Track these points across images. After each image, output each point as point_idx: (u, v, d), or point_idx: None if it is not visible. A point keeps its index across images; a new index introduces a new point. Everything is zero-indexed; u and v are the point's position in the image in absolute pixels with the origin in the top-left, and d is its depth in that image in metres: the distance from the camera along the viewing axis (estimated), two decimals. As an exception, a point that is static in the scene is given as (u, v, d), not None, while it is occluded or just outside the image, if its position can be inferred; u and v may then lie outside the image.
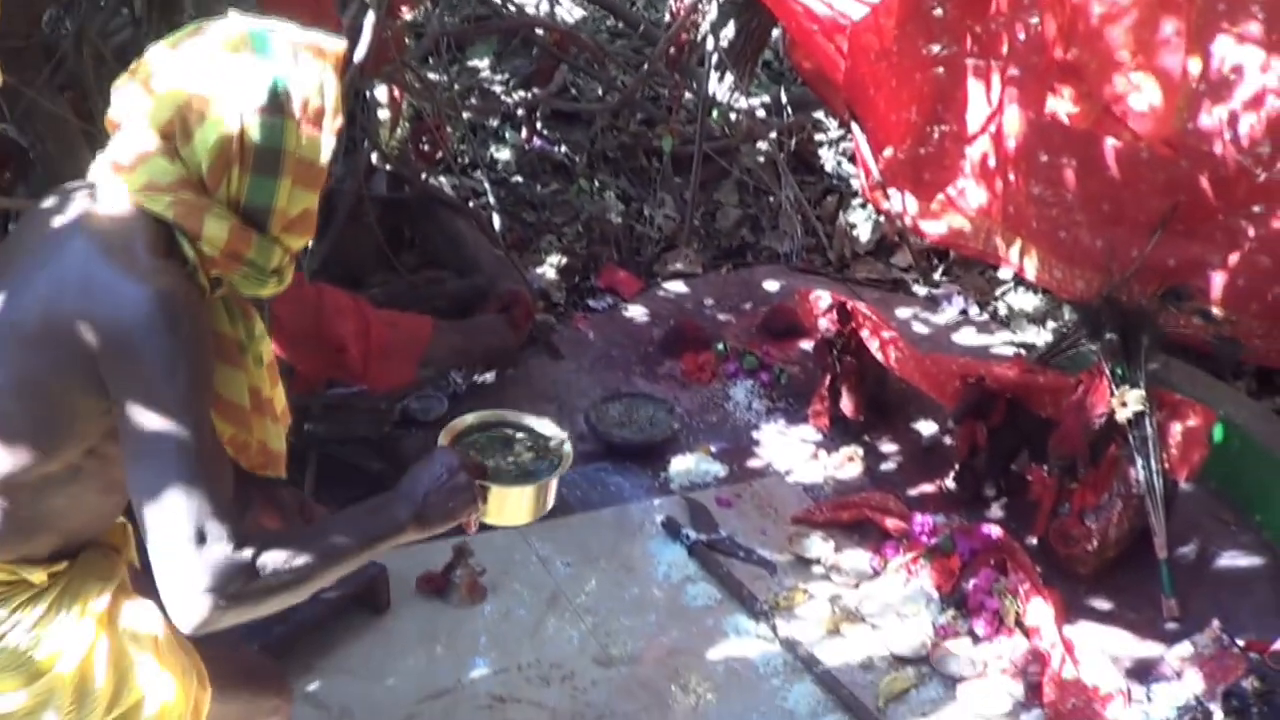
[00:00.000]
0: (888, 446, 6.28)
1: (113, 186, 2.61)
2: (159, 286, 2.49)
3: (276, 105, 2.56)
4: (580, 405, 6.40)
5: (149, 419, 2.48)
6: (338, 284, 5.82)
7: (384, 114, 7.59)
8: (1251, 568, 5.29)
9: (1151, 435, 5.11)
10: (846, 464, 6.09)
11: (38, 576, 2.74)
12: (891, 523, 5.52)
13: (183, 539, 2.47)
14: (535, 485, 3.02)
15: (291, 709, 3.38)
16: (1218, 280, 6.27)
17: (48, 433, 2.61)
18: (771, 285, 7.66)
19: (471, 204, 7.92)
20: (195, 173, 2.57)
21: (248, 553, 2.51)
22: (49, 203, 2.73)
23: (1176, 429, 5.18)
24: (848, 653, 4.94)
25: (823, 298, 6.31)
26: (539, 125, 8.81)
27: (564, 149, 8.73)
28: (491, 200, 7.94)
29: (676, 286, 7.65)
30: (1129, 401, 5.09)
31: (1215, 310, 6.22)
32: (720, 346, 6.94)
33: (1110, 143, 6.37)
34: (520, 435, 3.18)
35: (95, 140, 5.07)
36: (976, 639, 4.98)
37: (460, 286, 6.92)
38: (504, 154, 8.67)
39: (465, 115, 8.35)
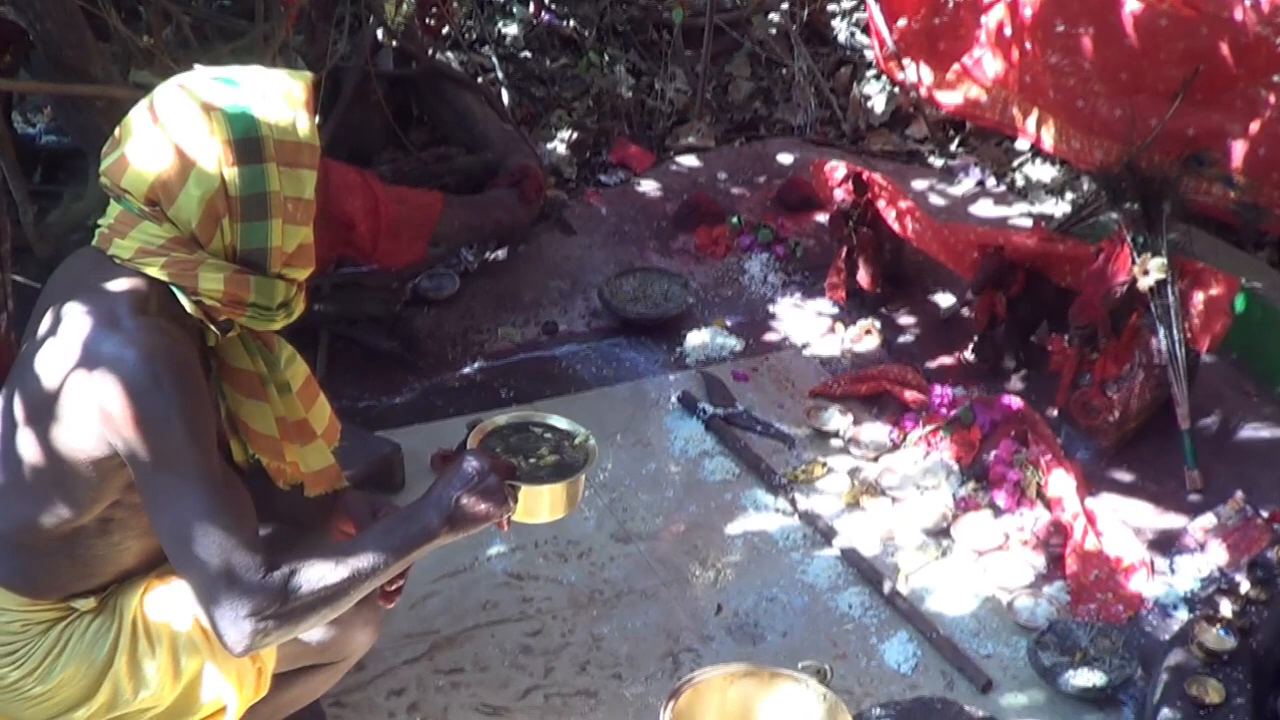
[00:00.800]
0: (905, 319, 6.23)
1: (112, 253, 2.73)
2: (141, 347, 2.59)
3: (254, 153, 2.66)
4: (594, 281, 6.36)
5: (156, 471, 2.61)
6: (345, 163, 5.75)
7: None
8: (1274, 439, 5.23)
9: (1174, 304, 5.04)
10: (864, 337, 6.04)
11: (86, 605, 2.95)
12: (910, 395, 5.47)
13: (213, 577, 2.60)
14: (565, 483, 3.09)
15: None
16: (1238, 149, 6.19)
17: (72, 490, 2.73)
18: (785, 158, 7.56)
19: (480, 79, 7.81)
20: (186, 231, 2.69)
21: (277, 577, 2.63)
22: (66, 268, 2.91)
23: (1198, 298, 5.10)
24: (867, 526, 4.92)
25: (838, 168, 6.24)
26: (547, 0, 8.71)
27: (573, 23, 8.61)
28: (500, 76, 7.86)
29: (689, 161, 7.55)
30: (1151, 269, 5.02)
31: (1237, 177, 6.14)
32: (734, 220, 6.86)
33: (1128, 9, 6.28)
34: (547, 435, 3.27)
35: (95, 20, 5.03)
36: (997, 511, 4.95)
37: (470, 162, 6.84)
38: (512, 29, 8.56)
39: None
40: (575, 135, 7.67)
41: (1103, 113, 6.64)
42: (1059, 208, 6.99)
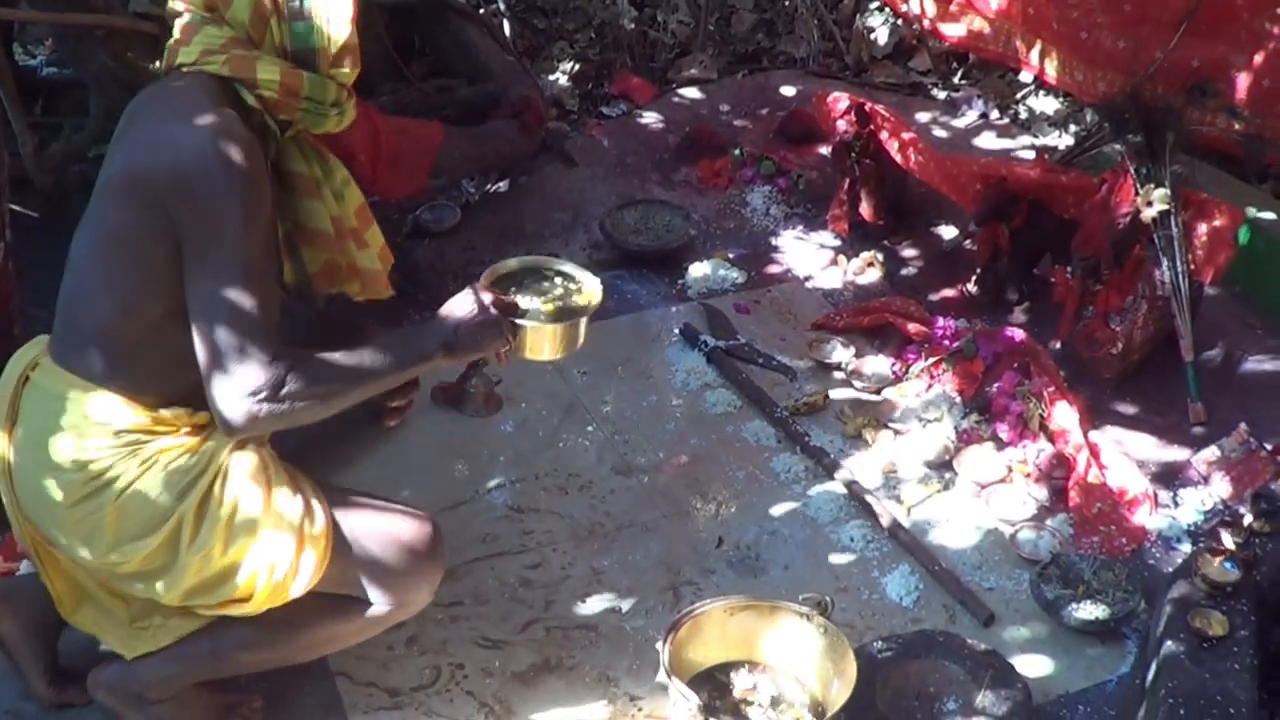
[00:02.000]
0: (908, 251, 6.21)
1: (178, 62, 3.07)
2: (211, 128, 2.90)
3: None
4: (595, 213, 6.33)
5: (207, 247, 2.89)
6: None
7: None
8: (1278, 371, 5.22)
9: (1177, 235, 5.02)
10: (866, 269, 6.01)
11: (177, 415, 3.17)
12: (913, 327, 5.44)
13: (225, 351, 2.87)
14: (564, 324, 3.37)
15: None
16: (1242, 81, 6.13)
17: (153, 274, 3.01)
18: (788, 90, 7.52)
19: (482, 10, 7.77)
20: (241, 31, 3.03)
21: (282, 365, 2.92)
22: (145, 91, 3.19)
23: (1202, 229, 5.08)
24: (869, 459, 4.91)
25: (841, 99, 6.21)
26: (549, -72, 8.64)
27: (575, -47, 8.56)
28: (502, 7, 7.82)
29: (691, 93, 7.51)
30: (1154, 200, 4.99)
31: (1241, 109, 6.10)
32: (737, 152, 6.82)
33: (1134, -60, 6.23)
34: (557, 279, 3.53)
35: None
36: (1000, 444, 4.93)
37: (471, 93, 6.79)
38: (513, -39, 8.51)
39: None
40: (577, 67, 7.65)
41: (1106, 44, 6.58)
42: (1062, 140, 6.96)
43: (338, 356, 3.05)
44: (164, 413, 3.13)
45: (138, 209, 2.95)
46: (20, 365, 3.22)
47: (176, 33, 3.07)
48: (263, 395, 2.89)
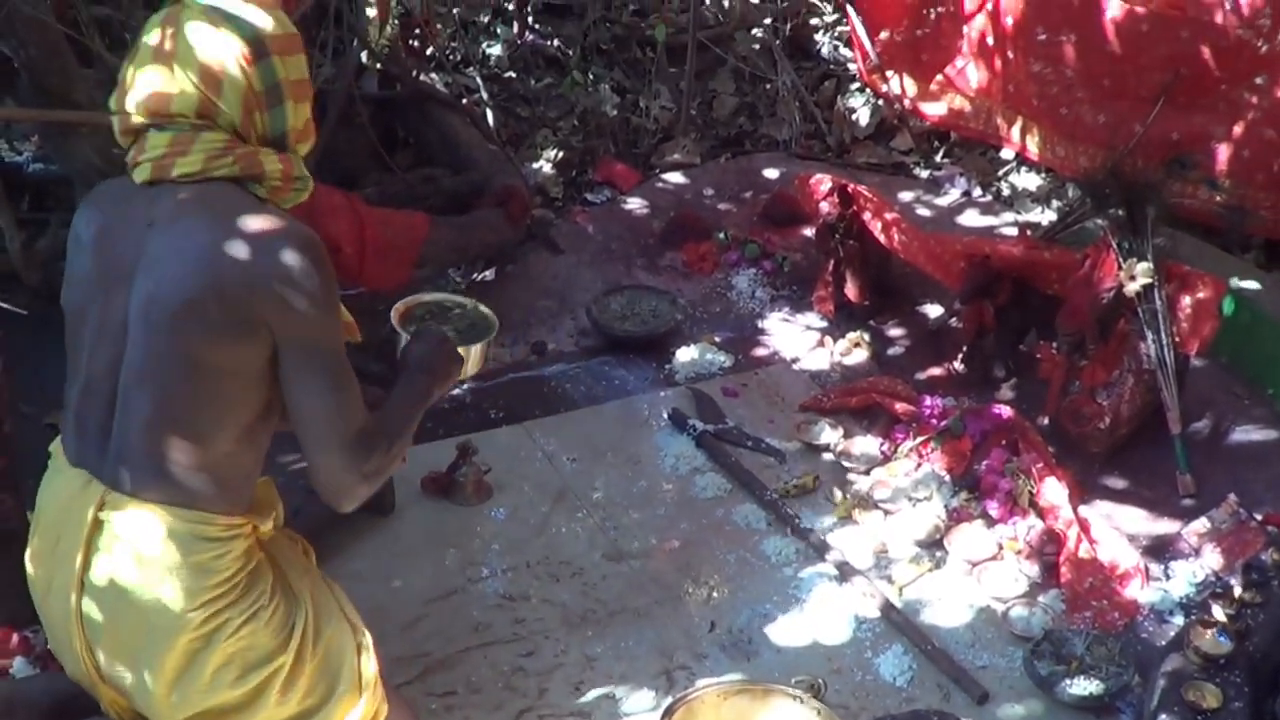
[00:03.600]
0: (894, 331, 6.23)
1: (177, 173, 2.97)
2: (296, 232, 2.93)
3: (262, 50, 2.98)
4: (581, 299, 6.35)
5: (312, 353, 2.96)
6: (331, 186, 5.73)
7: (371, 12, 7.47)
8: (1266, 441, 5.23)
9: (1161, 308, 5.04)
10: (853, 350, 6.03)
11: (266, 527, 3.21)
12: (900, 407, 5.46)
13: (342, 431, 2.98)
14: (484, 342, 3.74)
15: None
16: (1222, 152, 6.21)
17: (212, 408, 2.98)
18: (771, 173, 7.56)
19: (464, 100, 7.80)
20: (230, 129, 3.00)
21: (379, 436, 3.07)
22: (109, 200, 3.14)
23: (1186, 301, 5.11)
24: (860, 539, 4.90)
25: (823, 182, 6.26)
26: (530, 19, 8.68)
27: (557, 42, 8.59)
28: (485, 96, 7.85)
29: (675, 177, 7.55)
30: (1137, 274, 5.02)
31: (1221, 180, 6.15)
32: (721, 236, 6.86)
33: (1109, 15, 6.31)
34: (455, 309, 3.89)
35: (78, 46, 5.02)
36: (990, 521, 4.93)
37: (456, 183, 6.82)
38: (496, 49, 8.54)
39: (454, 11, 8.25)
40: (561, 154, 7.67)
41: (1086, 119, 6.65)
42: (1045, 216, 6.99)
43: (390, 416, 3.20)
44: (236, 519, 3.10)
45: (216, 331, 2.90)
46: (85, 504, 3.05)
47: (162, 146, 2.97)
48: (371, 472, 3.04)
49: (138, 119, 2.99)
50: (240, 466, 3.08)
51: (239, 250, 2.88)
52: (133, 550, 2.98)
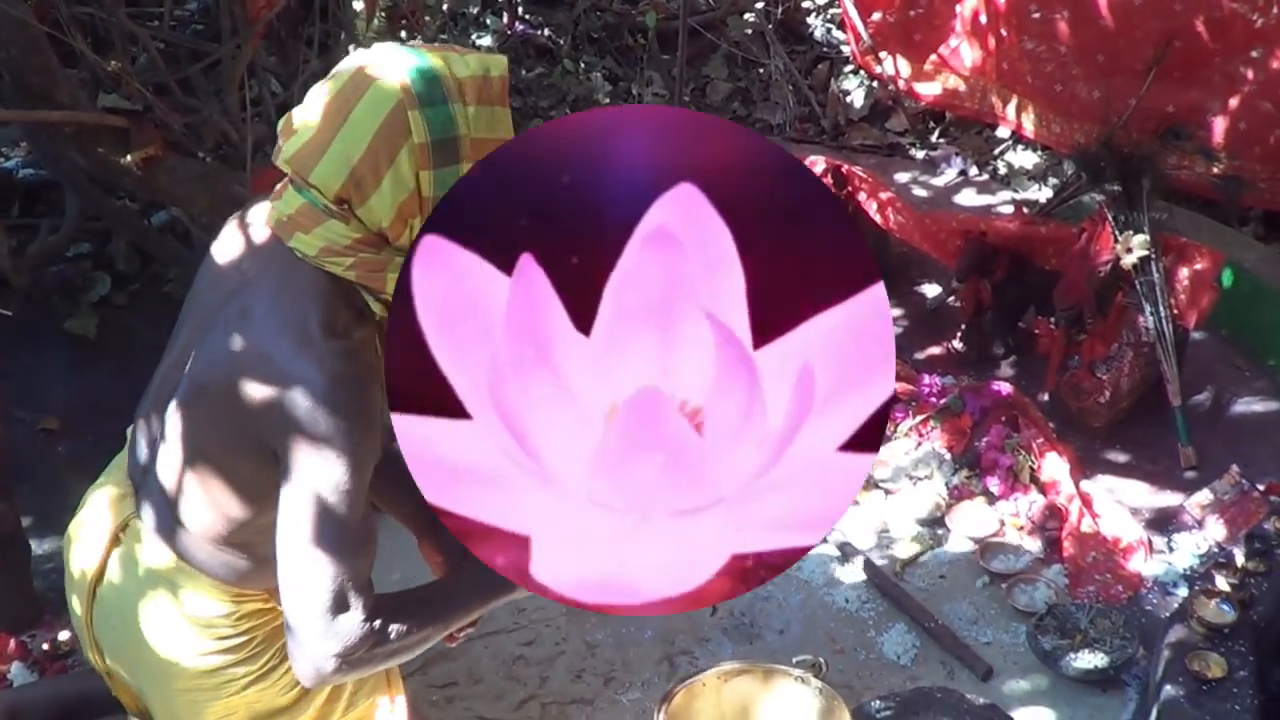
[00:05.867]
0: (892, 310, 6.17)
1: (293, 245, 2.53)
2: (332, 371, 2.45)
3: (450, 154, 2.47)
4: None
5: (309, 491, 2.48)
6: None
7: (359, 5, 7.45)
8: (1267, 412, 5.22)
9: (1159, 281, 5.01)
10: (850, 331, 5.99)
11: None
12: (900, 386, 5.43)
13: (322, 602, 2.49)
14: None
15: None
16: (1218, 124, 6.18)
17: (250, 484, 2.65)
18: (765, 157, 7.51)
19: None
20: (374, 229, 2.51)
21: (378, 623, 2.54)
22: (233, 242, 2.72)
23: (1184, 274, 5.08)
24: (861, 519, 4.89)
25: (817, 163, 6.21)
26: (520, 10, 8.66)
27: (547, 32, 8.57)
28: (475, 87, 7.81)
29: (669, 164, 7.49)
30: (1134, 246, 4.99)
31: (1217, 151, 6.12)
32: (716, 221, 6.81)
33: (1103, -11, 6.29)
34: None
35: (60, 45, 4.99)
36: (992, 498, 4.92)
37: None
38: (486, 40, 8.52)
39: (443, 4, 8.24)
40: (554, 144, 7.63)
41: (1081, 95, 6.63)
42: (1043, 194, 6.95)
43: (429, 603, 2.76)
44: (249, 590, 2.86)
45: (236, 422, 2.55)
46: (115, 515, 2.90)
47: (291, 209, 2.52)
48: (353, 656, 2.54)
49: (282, 164, 2.55)
50: (257, 555, 2.78)
51: (262, 352, 2.49)
52: (140, 584, 2.83)
